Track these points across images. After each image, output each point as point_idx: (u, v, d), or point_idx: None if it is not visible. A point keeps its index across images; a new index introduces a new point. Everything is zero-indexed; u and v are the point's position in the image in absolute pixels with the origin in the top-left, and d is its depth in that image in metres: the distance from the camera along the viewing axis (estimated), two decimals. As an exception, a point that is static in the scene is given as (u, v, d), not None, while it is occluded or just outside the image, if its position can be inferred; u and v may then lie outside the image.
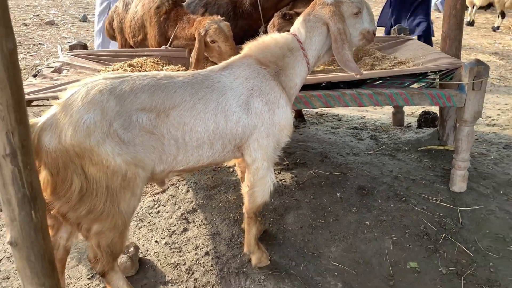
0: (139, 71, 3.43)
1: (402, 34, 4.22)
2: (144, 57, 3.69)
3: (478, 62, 2.90)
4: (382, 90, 2.95)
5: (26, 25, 10.06)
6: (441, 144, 3.75)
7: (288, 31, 3.44)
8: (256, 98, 2.21)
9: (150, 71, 3.43)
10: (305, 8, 3.92)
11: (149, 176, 2.08)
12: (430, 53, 3.48)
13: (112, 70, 3.40)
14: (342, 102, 2.96)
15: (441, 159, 3.61)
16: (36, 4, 12.53)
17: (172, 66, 3.49)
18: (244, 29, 3.98)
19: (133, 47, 4.32)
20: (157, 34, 3.85)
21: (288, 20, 3.61)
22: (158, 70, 3.43)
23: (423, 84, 3.16)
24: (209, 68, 2.26)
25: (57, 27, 10.20)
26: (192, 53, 3.49)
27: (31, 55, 7.85)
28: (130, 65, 3.52)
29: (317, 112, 5.20)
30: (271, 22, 3.49)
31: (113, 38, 4.59)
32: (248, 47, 2.34)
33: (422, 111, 4.47)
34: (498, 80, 6.85)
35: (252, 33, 4.04)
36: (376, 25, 2.64)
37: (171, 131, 2.04)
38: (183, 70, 3.49)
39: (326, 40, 2.41)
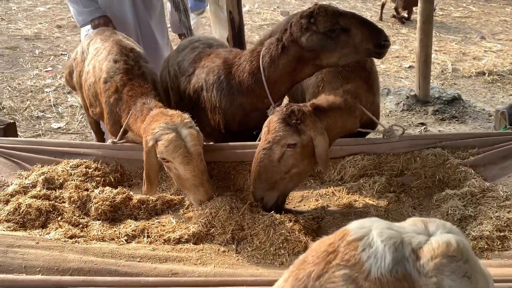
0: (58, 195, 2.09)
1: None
2: (77, 161, 2.32)
3: None
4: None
5: (60, 27, 8.87)
6: None
7: (291, 146, 1.88)
8: None
9: (71, 195, 2.09)
10: (341, 87, 2.29)
11: None
12: None
13: (11, 194, 2.07)
14: None
15: None
16: (81, -2, 11.60)
17: (108, 190, 2.08)
18: (245, 109, 2.46)
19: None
20: (109, 121, 2.47)
21: (293, 128, 1.85)
22: (82, 193, 2.06)
23: None
24: None
25: (92, 30, 9.10)
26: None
27: (46, 71, 6.67)
28: (46, 181, 2.18)
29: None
30: (266, 122, 1.93)
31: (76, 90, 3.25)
32: None
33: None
34: None
35: (257, 115, 2.51)
36: None
37: None
38: (125, 197, 2.09)
39: None
